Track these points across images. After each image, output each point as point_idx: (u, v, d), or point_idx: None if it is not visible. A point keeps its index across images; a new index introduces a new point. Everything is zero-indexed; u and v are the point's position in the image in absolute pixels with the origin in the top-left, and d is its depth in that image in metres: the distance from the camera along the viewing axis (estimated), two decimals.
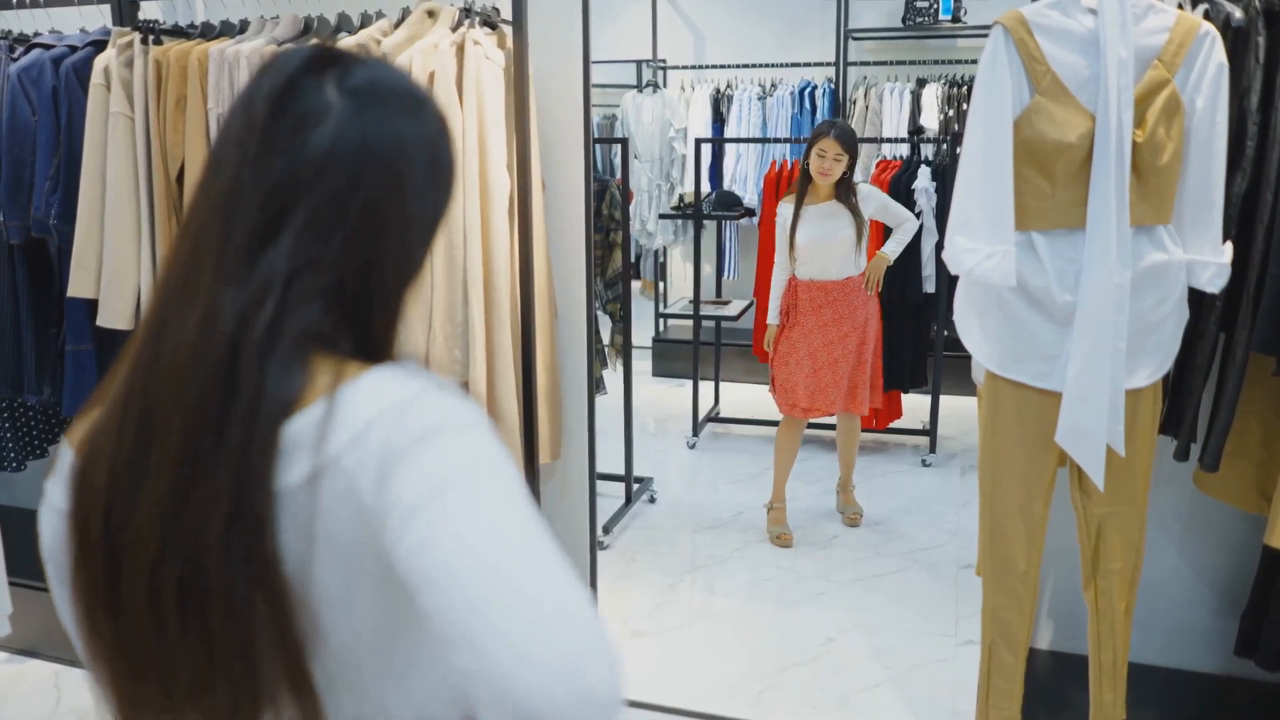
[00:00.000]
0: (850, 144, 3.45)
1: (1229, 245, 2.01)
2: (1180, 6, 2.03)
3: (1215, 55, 1.91)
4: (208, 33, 2.70)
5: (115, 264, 2.62)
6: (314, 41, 0.78)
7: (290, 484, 0.71)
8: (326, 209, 0.74)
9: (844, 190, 3.52)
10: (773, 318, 3.71)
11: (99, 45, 2.71)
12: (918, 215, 4.12)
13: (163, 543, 0.71)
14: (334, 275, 0.75)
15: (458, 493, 0.67)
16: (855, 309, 3.63)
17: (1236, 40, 2.04)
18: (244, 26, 2.66)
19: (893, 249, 3.70)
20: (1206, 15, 2.02)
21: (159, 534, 0.71)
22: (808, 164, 3.50)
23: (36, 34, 2.85)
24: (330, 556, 0.72)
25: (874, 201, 3.63)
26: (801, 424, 3.73)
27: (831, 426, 4.39)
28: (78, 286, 2.67)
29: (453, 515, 0.66)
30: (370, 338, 0.79)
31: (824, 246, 3.54)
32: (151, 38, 2.59)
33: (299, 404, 0.72)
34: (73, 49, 2.74)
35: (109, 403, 0.76)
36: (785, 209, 3.61)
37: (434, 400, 0.72)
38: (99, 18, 2.95)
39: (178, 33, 2.69)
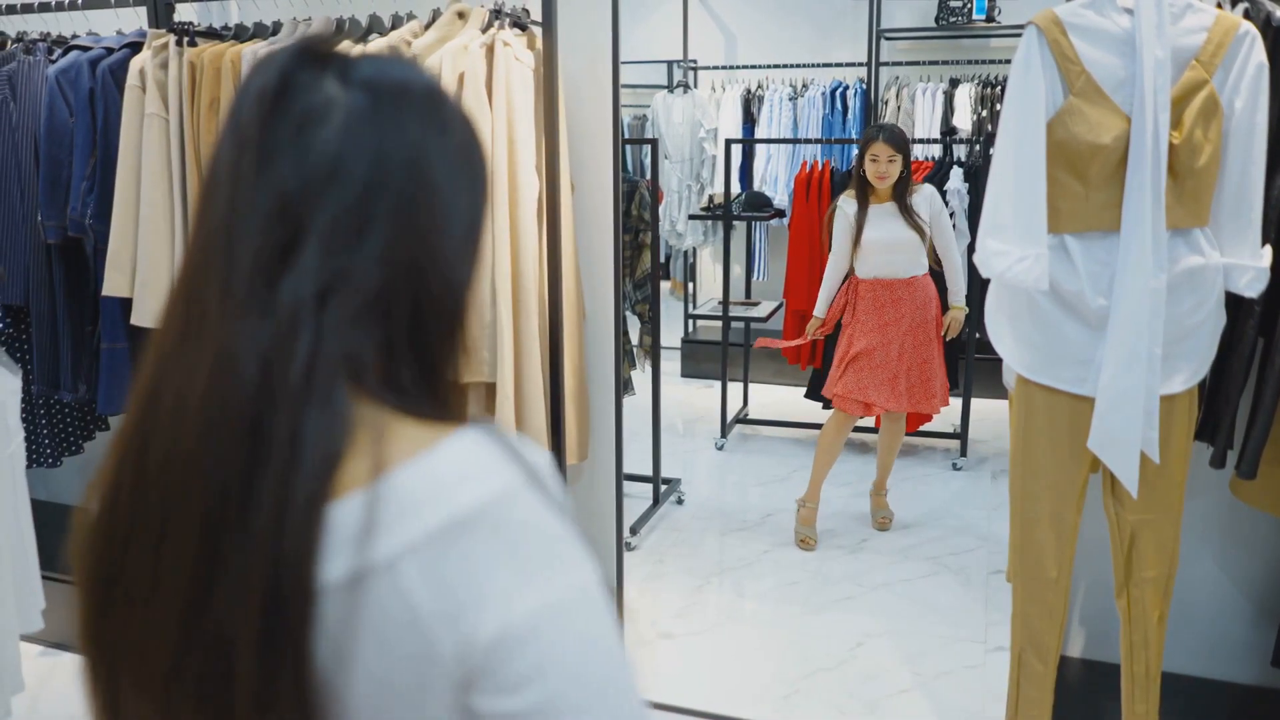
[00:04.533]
0: (901, 144, 3.50)
1: (1268, 249, 1.98)
2: (1219, 5, 2.00)
3: (1255, 55, 1.88)
4: (241, 35, 2.73)
5: (149, 263, 2.65)
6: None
7: (329, 581, 0.58)
8: (349, 215, 0.62)
9: (901, 190, 3.55)
10: (819, 310, 3.76)
11: (135, 47, 2.75)
12: (950, 216, 4.11)
13: (185, 632, 0.59)
14: (372, 286, 0.62)
15: (565, 642, 0.59)
16: (918, 308, 3.63)
17: (1277, 40, 2.00)
18: (277, 28, 2.69)
19: (961, 298, 3.72)
20: (1246, 14, 1.99)
21: (180, 622, 0.59)
22: (862, 171, 3.54)
23: (74, 36, 2.89)
24: (367, 683, 0.59)
25: (929, 206, 3.62)
26: (850, 422, 3.72)
27: (867, 429, 4.37)
28: (113, 286, 2.71)
29: (566, 666, 0.58)
30: (429, 364, 0.66)
31: (891, 246, 3.57)
32: (186, 39, 2.62)
33: (342, 476, 0.59)
34: (109, 51, 2.78)
35: (103, 481, 0.64)
36: (849, 205, 3.61)
37: (526, 505, 0.60)
38: (135, 20, 2.99)
39: (212, 35, 2.72)
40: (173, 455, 0.60)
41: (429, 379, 0.65)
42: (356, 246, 0.62)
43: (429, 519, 0.58)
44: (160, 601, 0.59)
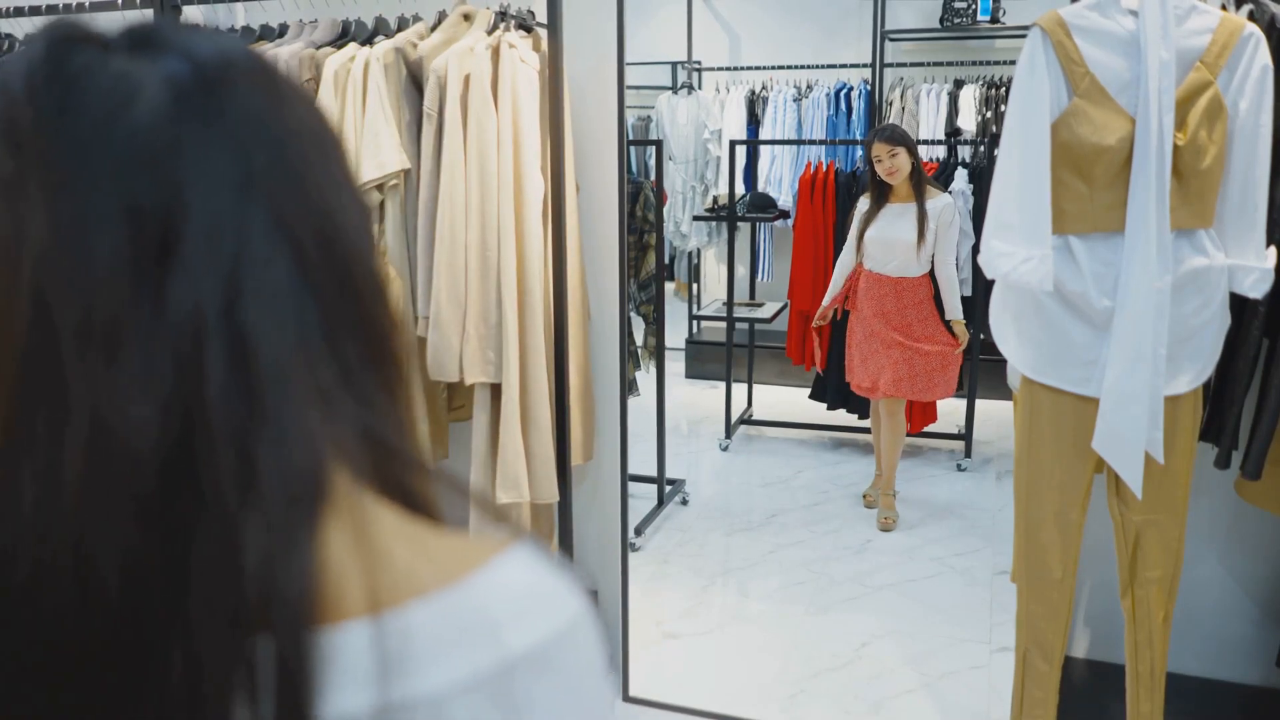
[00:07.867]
0: (899, 139, 3.61)
1: (1273, 250, 1.98)
2: (1224, 7, 2.00)
3: (1259, 57, 1.88)
4: (247, 36, 2.73)
5: None
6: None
7: (347, 713, 0.44)
8: (221, 197, 0.46)
9: (918, 183, 3.65)
10: (827, 298, 3.98)
11: None
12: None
13: None
14: (284, 263, 0.47)
15: None
16: (906, 308, 3.76)
17: None
18: (283, 30, 2.69)
19: (958, 314, 3.82)
20: (1251, 16, 1.99)
21: None
22: (877, 175, 3.68)
23: None
24: None
25: (939, 218, 3.68)
26: (874, 407, 3.97)
27: (868, 430, 4.38)
28: None
29: None
30: (374, 344, 0.52)
31: (885, 245, 3.71)
32: None
33: (327, 586, 0.44)
34: None
35: None
36: (863, 204, 3.81)
37: (588, 640, 0.51)
38: None
39: None
40: (29, 586, 0.41)
41: (377, 363, 0.52)
42: (246, 224, 0.47)
43: (480, 658, 0.47)
44: None
